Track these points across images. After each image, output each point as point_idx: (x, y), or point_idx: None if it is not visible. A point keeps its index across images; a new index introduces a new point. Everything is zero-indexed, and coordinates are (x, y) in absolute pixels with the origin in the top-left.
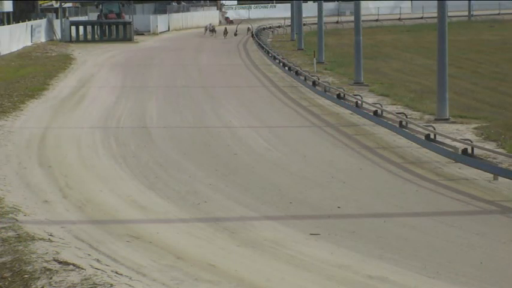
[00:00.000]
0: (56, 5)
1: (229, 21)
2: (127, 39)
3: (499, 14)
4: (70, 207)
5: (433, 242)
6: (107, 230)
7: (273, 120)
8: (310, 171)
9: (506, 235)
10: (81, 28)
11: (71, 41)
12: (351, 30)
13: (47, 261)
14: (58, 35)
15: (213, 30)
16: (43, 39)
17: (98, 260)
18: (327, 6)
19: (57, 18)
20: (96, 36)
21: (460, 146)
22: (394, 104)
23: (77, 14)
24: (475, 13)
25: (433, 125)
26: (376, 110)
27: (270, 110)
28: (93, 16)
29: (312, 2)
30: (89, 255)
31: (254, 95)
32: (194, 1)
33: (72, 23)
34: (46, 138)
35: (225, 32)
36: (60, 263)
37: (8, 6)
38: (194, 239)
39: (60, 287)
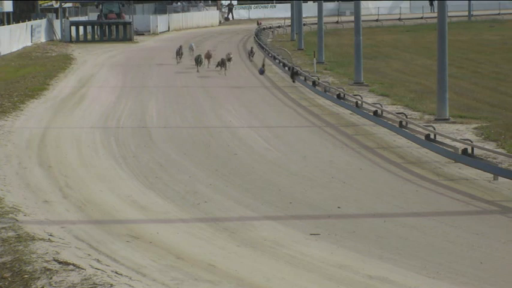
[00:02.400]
0: (56, 5)
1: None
2: (127, 39)
3: (499, 14)
4: (70, 207)
5: (433, 242)
6: (107, 230)
7: (273, 120)
8: (310, 171)
9: (506, 235)
10: (81, 28)
11: (71, 41)
12: (350, 30)
13: (47, 261)
14: (58, 35)
15: (198, 61)
16: (43, 39)
17: (98, 260)
18: (327, 6)
19: (57, 18)
20: (96, 36)
21: (460, 146)
22: (394, 104)
23: (77, 14)
24: (475, 13)
25: (433, 125)
26: (376, 110)
27: (270, 110)
28: (93, 16)
29: (312, 2)
30: (89, 255)
31: (254, 95)
32: (194, 1)
33: (72, 23)
34: (46, 138)
35: (222, 64)
36: (60, 263)
37: (8, 6)
38: (194, 239)
39: (60, 287)
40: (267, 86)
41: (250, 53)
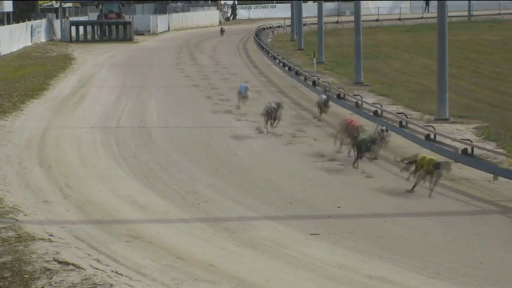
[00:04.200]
0: (56, 5)
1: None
2: (127, 39)
3: (499, 14)
4: (70, 207)
5: (433, 242)
6: (107, 230)
7: None
8: (310, 171)
9: (506, 235)
10: (81, 28)
11: (71, 41)
12: (350, 30)
13: (47, 261)
14: (58, 35)
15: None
16: (43, 39)
17: (98, 260)
18: (327, 6)
19: (57, 18)
20: (96, 36)
21: (460, 146)
22: (394, 104)
23: (77, 14)
24: (475, 13)
25: (433, 125)
26: (376, 110)
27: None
28: (93, 16)
29: (312, 2)
30: (89, 255)
31: (254, 95)
32: (194, 1)
33: (72, 23)
34: (46, 138)
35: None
36: (60, 263)
37: (8, 6)
38: (194, 239)
39: (60, 287)
40: (267, 86)
41: (323, 105)
